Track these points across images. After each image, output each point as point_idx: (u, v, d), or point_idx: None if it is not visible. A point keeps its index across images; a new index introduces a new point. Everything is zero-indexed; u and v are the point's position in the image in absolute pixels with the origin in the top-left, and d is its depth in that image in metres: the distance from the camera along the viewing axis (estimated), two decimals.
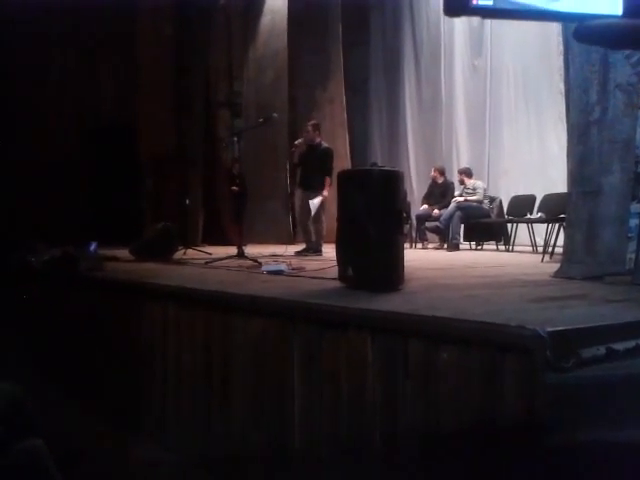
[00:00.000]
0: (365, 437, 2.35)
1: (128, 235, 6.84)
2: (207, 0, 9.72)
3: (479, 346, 2.07)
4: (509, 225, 7.17)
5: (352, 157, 9.57)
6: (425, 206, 7.83)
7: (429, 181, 8.24)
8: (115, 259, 5.37)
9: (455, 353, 2.13)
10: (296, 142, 7.08)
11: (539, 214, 6.80)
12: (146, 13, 9.53)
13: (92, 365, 4.03)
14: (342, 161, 8.27)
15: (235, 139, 6.04)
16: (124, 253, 5.89)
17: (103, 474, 2.78)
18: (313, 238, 6.65)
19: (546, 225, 6.13)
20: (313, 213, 6.60)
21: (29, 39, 8.55)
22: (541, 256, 5.44)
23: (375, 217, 2.97)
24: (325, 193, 6.55)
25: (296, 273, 4.15)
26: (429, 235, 7.97)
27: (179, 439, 3.18)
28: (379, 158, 9.80)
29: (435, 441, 2.19)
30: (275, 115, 6.45)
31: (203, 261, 5.31)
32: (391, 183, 3.03)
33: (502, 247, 7.20)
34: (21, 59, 8.53)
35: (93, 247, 4.68)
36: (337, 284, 3.25)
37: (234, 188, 6.09)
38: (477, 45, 8.64)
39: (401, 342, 2.25)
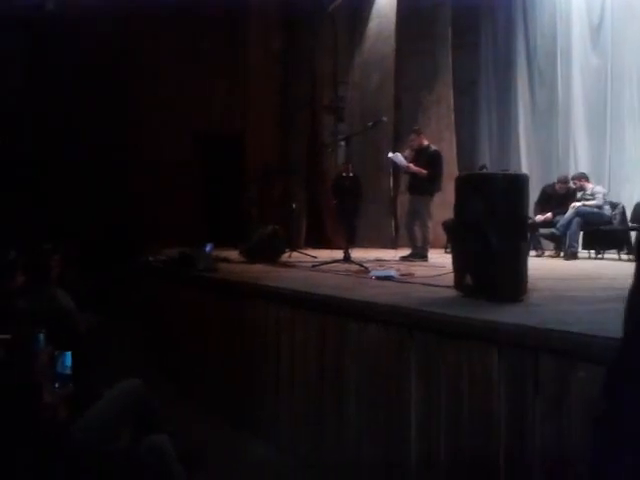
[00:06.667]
0: (488, 458, 2.23)
1: (235, 237, 7.07)
2: (314, 6, 9.85)
3: None
4: (632, 233, 6.66)
5: (458, 160, 9.30)
6: (544, 215, 7.30)
7: (541, 186, 7.80)
8: (227, 260, 5.54)
9: (592, 372, 1.96)
10: (405, 155, 6.99)
11: None
12: (255, 21, 9.83)
13: (208, 364, 4.16)
14: (449, 164, 8.03)
15: (343, 144, 6.06)
16: (233, 254, 6.07)
17: (221, 471, 2.84)
18: (419, 243, 6.52)
19: None
20: (400, 162, 6.60)
21: (144, 54, 9.08)
22: None
23: (498, 224, 2.82)
24: (412, 167, 6.52)
25: (407, 279, 4.05)
26: (543, 242, 7.55)
27: (292, 441, 3.19)
28: (488, 161, 9.45)
29: (565, 467, 2.03)
30: (385, 119, 6.41)
31: (309, 264, 5.34)
32: (516, 188, 2.88)
33: (625, 257, 6.68)
34: (137, 74, 9.06)
35: (209, 248, 4.84)
36: (453, 292, 3.13)
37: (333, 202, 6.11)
38: (596, 45, 8.14)
39: (531, 358, 2.11)
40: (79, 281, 4.11)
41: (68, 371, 1.95)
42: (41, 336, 1.96)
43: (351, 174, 5.95)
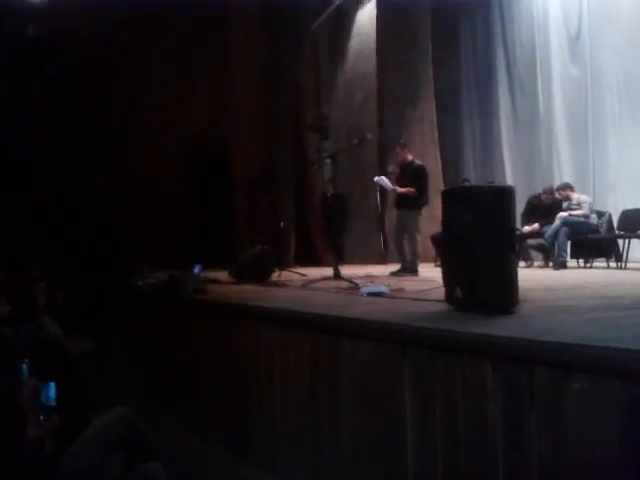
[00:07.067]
0: (486, 471, 2.20)
1: (224, 257, 7.03)
2: (296, 27, 9.96)
3: (616, 376, 1.88)
4: (620, 241, 6.69)
5: (443, 174, 9.36)
6: (531, 226, 7.31)
7: (527, 198, 7.84)
8: (217, 281, 5.50)
9: (588, 383, 1.94)
10: (389, 170, 7.03)
11: None
12: (238, 42, 9.90)
13: (200, 387, 4.09)
14: (434, 178, 8.08)
15: (329, 161, 6.06)
16: (222, 275, 6.02)
17: None
18: (409, 258, 6.51)
19: None
20: (385, 186, 6.62)
21: (128, 70, 9.08)
22: None
23: (485, 235, 2.82)
24: (399, 189, 6.52)
25: (398, 295, 4.03)
26: (532, 253, 7.57)
27: (288, 463, 3.13)
28: (472, 174, 9.54)
29: None
30: (369, 136, 6.42)
31: (299, 283, 5.31)
32: (502, 199, 2.87)
33: (613, 264, 6.71)
34: (119, 90, 9.05)
35: (197, 270, 4.81)
36: (444, 306, 3.12)
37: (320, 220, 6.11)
38: (575, 55, 8.26)
39: (525, 370, 2.09)
40: (66, 307, 4.06)
41: (52, 402, 1.90)
42: (24, 366, 1.91)
43: (332, 192, 5.95)
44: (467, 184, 7.37)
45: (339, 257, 5.56)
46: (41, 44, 8.12)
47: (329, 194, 6.22)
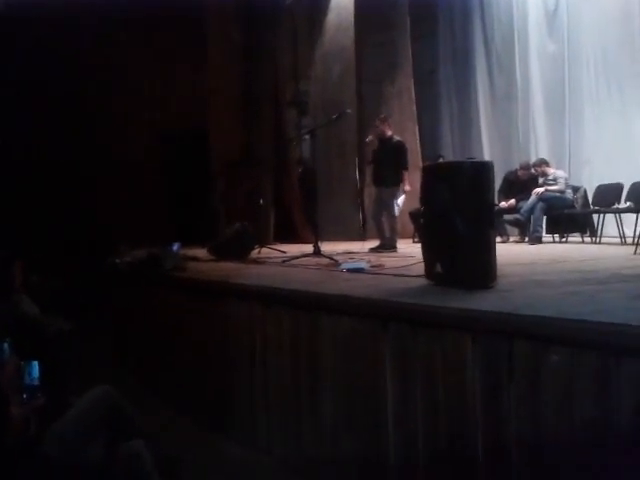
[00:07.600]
0: (465, 444, 2.24)
1: (202, 235, 6.98)
2: (273, 1, 9.79)
3: (593, 348, 1.93)
4: (595, 216, 6.80)
5: (422, 150, 9.37)
6: (508, 202, 7.37)
7: (504, 174, 7.90)
8: (196, 259, 5.46)
9: (566, 356, 1.99)
10: (367, 140, 6.99)
11: (627, 203, 6.43)
12: (214, 17, 9.70)
13: (181, 365, 4.09)
14: (412, 155, 8.07)
15: (307, 137, 6.01)
16: (201, 252, 5.99)
17: (199, 474, 2.80)
18: (387, 234, 6.53)
19: (636, 215, 5.77)
20: (397, 213, 6.52)
21: (103, 44, 8.86)
22: (633, 248, 5.11)
23: (465, 211, 2.84)
24: (407, 188, 6.43)
25: (378, 271, 4.05)
26: (508, 228, 7.66)
27: (270, 440, 3.16)
28: (450, 150, 9.56)
29: (542, 451, 2.05)
30: (348, 111, 6.37)
31: (279, 260, 5.30)
32: (482, 175, 2.89)
33: (588, 239, 6.83)
34: (95, 62, 8.85)
35: (176, 247, 4.78)
36: (424, 282, 3.15)
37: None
38: (553, 30, 8.27)
39: (505, 344, 2.13)
40: (43, 286, 4.00)
41: (36, 382, 1.88)
42: (5, 345, 1.88)
43: (302, 168, 5.89)
44: (442, 160, 7.40)
45: (315, 232, 5.55)
46: (11, 22, 7.87)
47: (300, 170, 6.17)
